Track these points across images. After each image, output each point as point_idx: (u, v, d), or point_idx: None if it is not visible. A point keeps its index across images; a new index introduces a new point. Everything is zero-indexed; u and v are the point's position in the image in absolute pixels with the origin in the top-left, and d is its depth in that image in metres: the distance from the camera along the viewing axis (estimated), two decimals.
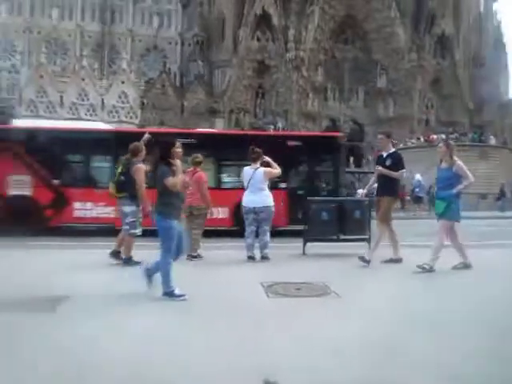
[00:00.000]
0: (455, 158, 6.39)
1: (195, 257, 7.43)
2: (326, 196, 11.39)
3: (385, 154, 7.09)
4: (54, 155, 11.66)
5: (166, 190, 4.80)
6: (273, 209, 7.44)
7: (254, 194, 7.22)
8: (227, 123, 41.97)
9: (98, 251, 7.46)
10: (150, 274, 5.03)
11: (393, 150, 7.17)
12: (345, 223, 7.78)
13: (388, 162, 6.94)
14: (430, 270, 6.14)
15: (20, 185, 11.24)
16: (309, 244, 7.85)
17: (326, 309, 4.57)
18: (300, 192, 11.40)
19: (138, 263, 6.75)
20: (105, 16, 49.24)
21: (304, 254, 7.77)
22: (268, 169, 7.33)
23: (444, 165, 6.43)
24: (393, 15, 46.23)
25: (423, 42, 47.32)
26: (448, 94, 47.05)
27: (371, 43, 47.15)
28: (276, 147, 11.05)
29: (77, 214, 11.45)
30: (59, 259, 7.08)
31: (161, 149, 4.95)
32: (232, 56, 44.25)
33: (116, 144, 10.79)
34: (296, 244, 8.23)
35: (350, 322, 4.09)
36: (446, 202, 6.24)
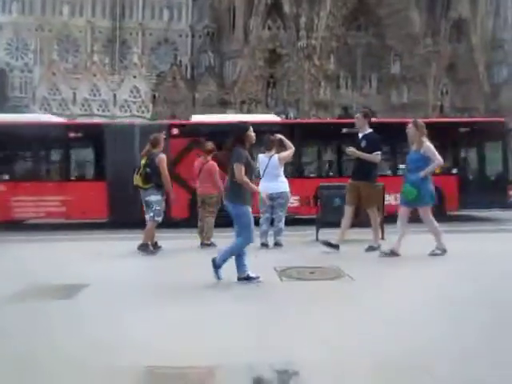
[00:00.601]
0: (424, 139, 6.15)
1: (209, 245, 7.43)
2: (496, 180, 12.32)
3: (360, 135, 6.72)
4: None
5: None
6: (289, 194, 7.37)
7: (269, 180, 7.17)
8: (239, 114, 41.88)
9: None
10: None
11: (369, 130, 6.71)
12: (358, 209, 7.65)
13: (363, 144, 6.59)
14: (443, 252, 6.10)
15: None
16: (324, 231, 7.78)
17: (340, 291, 4.55)
18: (470, 177, 12.47)
19: (154, 252, 6.92)
20: (115, 11, 49.36)
21: (317, 240, 7.71)
22: (282, 154, 7.27)
23: (413, 146, 6.22)
24: None
25: (439, 27, 46.31)
26: (464, 79, 46.07)
27: (385, 29, 46.36)
28: (446, 134, 11.89)
29: None
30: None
31: (235, 133, 4.98)
32: (243, 46, 43.97)
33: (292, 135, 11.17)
34: (310, 231, 8.19)
35: (364, 302, 4.07)
36: (416, 188, 6.02)
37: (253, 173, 5.07)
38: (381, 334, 3.25)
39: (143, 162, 7.01)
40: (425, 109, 44.43)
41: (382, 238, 7.31)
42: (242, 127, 5.06)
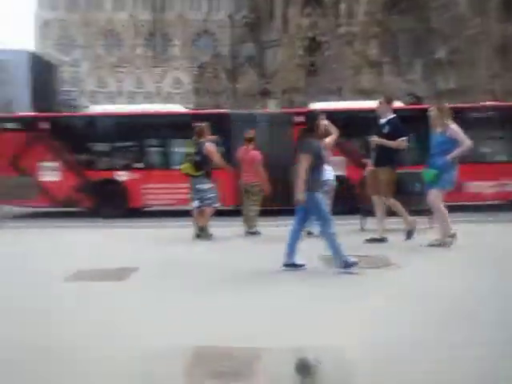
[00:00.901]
0: (449, 121, 5.87)
1: (253, 233, 7.53)
2: None
3: (383, 121, 6.52)
4: (359, 135, 11.37)
5: (310, 164, 4.73)
6: (334, 182, 7.32)
7: None
8: (280, 104, 41.68)
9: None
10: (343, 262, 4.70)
11: (392, 115, 6.49)
12: (404, 196, 7.50)
13: (386, 130, 6.39)
14: (453, 240, 5.84)
15: (337, 166, 10.95)
16: (370, 220, 7.68)
17: (388, 279, 4.54)
18: None
19: (211, 235, 7.22)
20: (155, 4, 50.12)
21: (362, 229, 7.64)
22: (326, 140, 7.22)
23: (437, 129, 5.96)
24: None
25: (487, 6, 44.01)
26: None
27: (429, 12, 44.57)
28: None
29: None
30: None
31: (307, 122, 4.92)
32: (282, 35, 43.62)
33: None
34: (356, 220, 8.12)
35: (411, 291, 4.04)
36: (438, 170, 5.75)
37: (323, 164, 4.95)
38: (425, 323, 3.23)
39: (191, 150, 7.24)
40: (474, 94, 42.54)
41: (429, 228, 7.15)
42: (312, 116, 4.96)
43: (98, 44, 44.70)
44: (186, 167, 7.30)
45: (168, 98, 41.37)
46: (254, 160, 7.63)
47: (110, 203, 11.86)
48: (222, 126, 11.84)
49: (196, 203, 7.32)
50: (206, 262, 5.54)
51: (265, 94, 41.99)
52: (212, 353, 2.83)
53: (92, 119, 13.09)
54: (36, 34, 48.91)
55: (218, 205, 7.36)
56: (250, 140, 7.77)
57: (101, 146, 13.07)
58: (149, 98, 41.23)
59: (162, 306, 3.78)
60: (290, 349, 2.71)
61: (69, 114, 15.95)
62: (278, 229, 8.11)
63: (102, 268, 5.19)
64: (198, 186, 7.27)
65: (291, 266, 4.89)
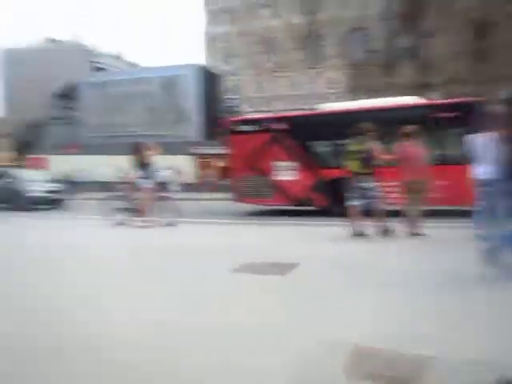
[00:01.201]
0: None
1: (417, 234, 7.35)
2: None
3: None
4: None
5: None
6: None
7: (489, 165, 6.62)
8: (442, 96, 38.74)
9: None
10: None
11: None
12: None
13: None
14: None
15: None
16: None
17: None
18: None
19: (393, 231, 7.36)
20: (307, 7, 51.13)
21: None
22: None
23: None
24: None
25: None
26: None
27: None
28: None
29: None
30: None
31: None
32: (441, 22, 40.38)
33: None
34: None
35: None
36: None
37: None
38: None
39: (357, 148, 7.43)
40: None
41: None
42: None
43: (256, 51, 47.56)
44: (353, 165, 7.48)
45: (323, 99, 41.93)
46: (418, 156, 7.42)
47: (342, 202, 11.87)
48: (468, 115, 10.63)
49: (356, 202, 7.45)
50: (365, 261, 5.54)
51: (424, 86, 39.47)
52: (372, 353, 2.76)
53: (327, 117, 12.89)
54: (206, 49, 54.46)
55: (381, 204, 7.35)
56: (407, 135, 7.54)
57: (333, 144, 12.75)
58: (305, 99, 42.33)
59: (314, 301, 3.91)
60: (466, 361, 2.62)
61: (304, 113, 16.08)
62: (449, 230, 7.75)
63: (269, 262, 5.56)
64: (362, 184, 7.41)
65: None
